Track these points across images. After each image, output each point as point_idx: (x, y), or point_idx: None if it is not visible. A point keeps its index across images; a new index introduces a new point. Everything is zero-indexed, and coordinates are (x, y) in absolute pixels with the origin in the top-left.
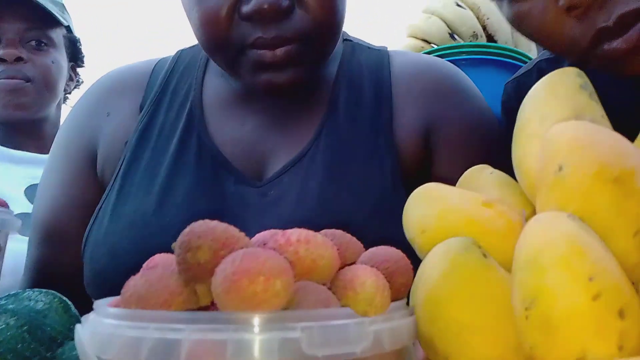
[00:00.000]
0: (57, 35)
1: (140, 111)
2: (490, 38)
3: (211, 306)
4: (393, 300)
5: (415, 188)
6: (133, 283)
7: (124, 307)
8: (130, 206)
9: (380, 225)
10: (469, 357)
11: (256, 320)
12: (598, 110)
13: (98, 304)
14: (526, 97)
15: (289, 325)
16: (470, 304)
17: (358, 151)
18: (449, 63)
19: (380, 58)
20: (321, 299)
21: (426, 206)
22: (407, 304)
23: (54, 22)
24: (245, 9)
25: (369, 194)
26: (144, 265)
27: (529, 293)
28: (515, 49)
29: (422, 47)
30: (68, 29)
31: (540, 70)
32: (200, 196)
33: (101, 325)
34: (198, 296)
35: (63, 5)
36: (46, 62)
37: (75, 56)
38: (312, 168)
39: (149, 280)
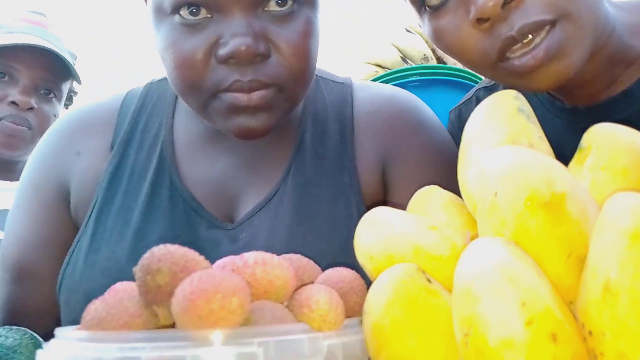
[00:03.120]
0: (66, 87)
1: (111, 150)
2: (439, 60)
3: (172, 328)
4: (348, 317)
5: None
6: (93, 307)
7: (86, 330)
8: (104, 252)
9: (347, 266)
10: None
11: (213, 336)
12: (535, 132)
13: (60, 330)
14: (468, 121)
15: (245, 340)
16: (415, 333)
17: (324, 190)
18: (409, 95)
19: (343, 93)
20: (277, 316)
21: (373, 232)
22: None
23: (69, 75)
24: (222, 52)
25: (336, 234)
26: (105, 293)
27: (466, 320)
28: (463, 69)
29: (377, 72)
30: (75, 79)
31: (478, 98)
32: (173, 242)
33: (62, 348)
34: (159, 318)
35: (75, 56)
36: (49, 114)
37: (68, 105)
38: (281, 210)
39: (109, 304)
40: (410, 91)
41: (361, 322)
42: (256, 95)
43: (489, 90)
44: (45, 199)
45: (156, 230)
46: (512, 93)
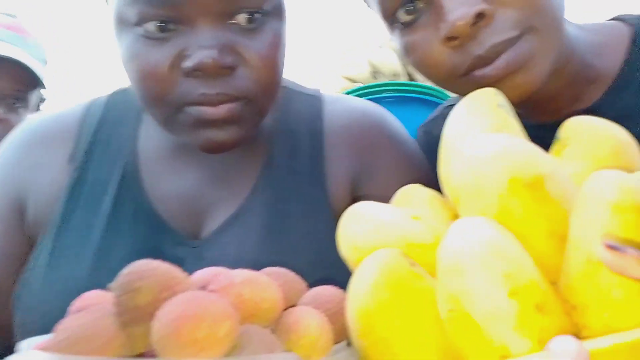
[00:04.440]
0: (34, 95)
1: (71, 163)
2: (410, 77)
3: (147, 352)
4: (336, 341)
5: None
6: (67, 326)
7: (56, 352)
8: (63, 271)
9: (319, 283)
10: None
11: None
12: (516, 126)
13: (23, 346)
14: (449, 116)
15: None
16: (399, 314)
17: (294, 206)
18: (380, 110)
19: (314, 106)
20: (265, 344)
21: (357, 224)
22: (349, 343)
23: (37, 84)
24: (188, 64)
25: (307, 251)
26: (75, 303)
27: (451, 295)
28: (433, 87)
29: (347, 87)
30: (42, 86)
31: (445, 116)
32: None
33: None
34: (136, 342)
35: (47, 61)
36: (17, 125)
37: (34, 112)
38: (250, 227)
39: (83, 324)
40: (383, 107)
41: (348, 344)
42: (223, 109)
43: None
44: (1, 212)
45: (118, 248)
46: (491, 90)
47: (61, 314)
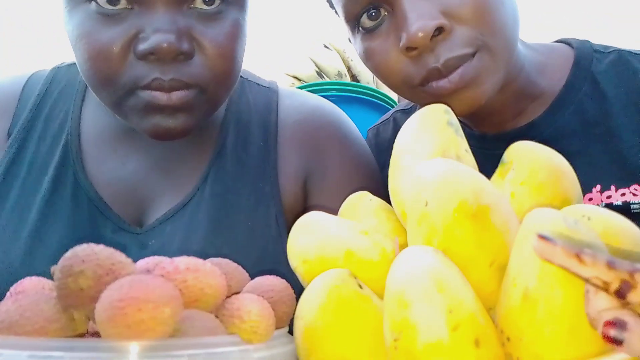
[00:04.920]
0: None
1: (8, 139)
2: (354, 78)
3: (87, 334)
4: (276, 328)
5: None
6: (4, 309)
7: None
8: None
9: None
10: None
11: (140, 347)
12: (462, 145)
13: None
14: (400, 130)
15: (175, 352)
16: (345, 337)
17: (244, 199)
18: (334, 108)
19: (269, 99)
20: (208, 327)
21: (306, 236)
22: (290, 331)
23: None
24: (142, 47)
25: (254, 245)
26: (12, 289)
27: (396, 326)
28: (376, 89)
29: (293, 84)
30: None
31: (395, 119)
32: (74, 245)
33: None
34: (76, 324)
35: None
36: None
37: None
38: (196, 218)
39: (22, 306)
40: None
41: (289, 332)
42: (176, 96)
43: (406, 112)
44: None
45: (55, 231)
46: (442, 107)
47: None
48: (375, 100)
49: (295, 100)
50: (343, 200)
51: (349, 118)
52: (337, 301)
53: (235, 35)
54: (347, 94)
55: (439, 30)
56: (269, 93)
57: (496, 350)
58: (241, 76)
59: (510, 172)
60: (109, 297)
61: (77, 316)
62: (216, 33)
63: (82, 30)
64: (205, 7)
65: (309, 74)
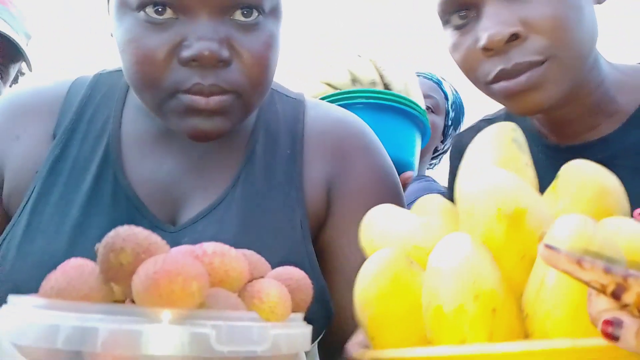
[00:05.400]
0: (14, 68)
1: (53, 138)
2: (386, 87)
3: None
4: (294, 311)
5: (319, 240)
6: (54, 277)
7: (43, 297)
8: (39, 244)
9: None
10: (387, 340)
11: (170, 315)
12: (523, 159)
13: (13, 297)
14: (471, 142)
15: (199, 322)
16: (392, 299)
17: (271, 202)
18: (357, 120)
19: (296, 109)
20: (230, 304)
21: (376, 224)
22: (306, 319)
23: (19, 56)
24: (186, 53)
25: (279, 246)
26: (63, 264)
27: (430, 292)
28: (406, 97)
29: (326, 91)
30: (26, 61)
31: (479, 128)
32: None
33: (18, 313)
34: (115, 294)
35: (30, 36)
36: None
37: (13, 86)
38: (227, 218)
39: (69, 275)
40: (356, 112)
41: (305, 317)
42: (214, 100)
43: (490, 121)
44: None
45: (96, 226)
46: (511, 125)
47: (34, 286)
48: (405, 108)
49: (321, 111)
50: (363, 207)
51: (371, 128)
52: (388, 271)
53: (270, 45)
54: (376, 101)
55: (515, 36)
56: (297, 104)
57: (511, 321)
58: (271, 87)
59: (560, 186)
60: (145, 270)
61: (117, 289)
62: (253, 43)
63: (130, 36)
64: (243, 18)
65: (344, 82)
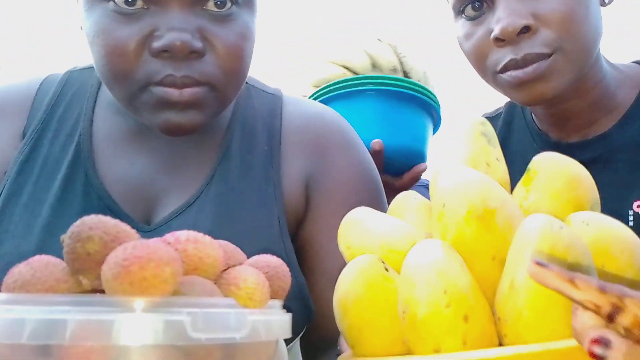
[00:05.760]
0: None
1: (22, 138)
2: (405, 74)
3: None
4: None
5: (298, 237)
6: (17, 270)
7: (6, 292)
8: (9, 246)
9: None
10: (366, 347)
11: (142, 303)
12: (494, 153)
13: None
14: (445, 140)
15: (174, 309)
16: (369, 307)
17: (248, 199)
18: (337, 115)
19: (273, 104)
20: (206, 291)
21: (352, 229)
22: (284, 307)
23: None
24: (157, 44)
25: (256, 243)
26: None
27: (404, 301)
28: (421, 85)
29: (344, 74)
30: None
31: (494, 118)
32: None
33: None
34: (82, 286)
35: None
36: None
37: None
38: (201, 216)
39: (33, 268)
40: (372, 99)
41: (283, 305)
42: (187, 92)
43: (490, 119)
44: None
45: (67, 226)
46: (479, 119)
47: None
48: (424, 98)
49: (299, 107)
50: (342, 204)
51: (387, 116)
52: (364, 279)
53: (244, 36)
54: (395, 89)
55: (526, 28)
56: (274, 99)
57: (484, 326)
58: (247, 82)
59: (533, 179)
60: (114, 257)
61: (84, 282)
62: (227, 34)
63: (99, 27)
64: (216, 9)
65: (364, 65)
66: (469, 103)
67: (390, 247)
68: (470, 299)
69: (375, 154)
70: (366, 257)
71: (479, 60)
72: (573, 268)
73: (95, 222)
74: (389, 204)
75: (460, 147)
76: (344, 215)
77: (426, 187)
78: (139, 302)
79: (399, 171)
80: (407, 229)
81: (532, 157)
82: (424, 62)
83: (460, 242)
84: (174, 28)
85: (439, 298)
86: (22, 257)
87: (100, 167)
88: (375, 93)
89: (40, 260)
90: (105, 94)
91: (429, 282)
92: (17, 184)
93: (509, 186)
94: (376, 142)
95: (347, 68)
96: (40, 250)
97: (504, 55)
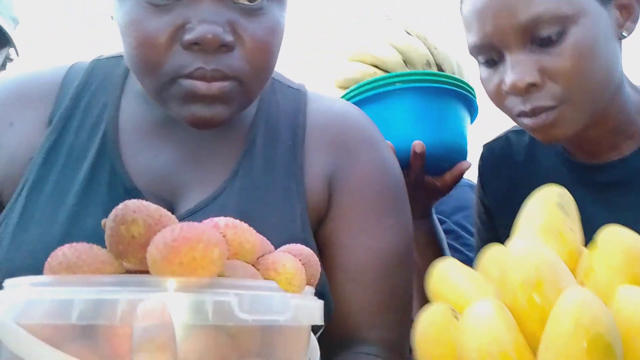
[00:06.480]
0: (2, 55)
1: (49, 125)
2: (438, 66)
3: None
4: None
5: (319, 234)
6: (61, 252)
7: (51, 274)
8: (33, 233)
9: None
10: None
11: (192, 283)
12: (568, 223)
13: (11, 280)
14: (522, 206)
15: (222, 290)
16: (435, 349)
17: (271, 195)
18: (360, 113)
19: (297, 100)
20: (249, 274)
21: (440, 276)
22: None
23: (5, 42)
24: (188, 36)
25: (278, 239)
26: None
27: (462, 350)
28: (456, 77)
29: (375, 73)
30: (13, 46)
31: (508, 138)
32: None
33: (21, 292)
34: (127, 270)
35: (18, 21)
36: None
37: (0, 72)
38: (226, 210)
39: (78, 250)
40: (409, 96)
41: (315, 292)
42: (216, 86)
43: (519, 133)
44: None
45: (92, 216)
46: (556, 189)
47: (28, 274)
48: (462, 92)
49: (323, 104)
50: (365, 202)
51: (425, 113)
52: (434, 323)
53: (274, 31)
54: (424, 85)
55: (533, 84)
56: (298, 95)
57: None
58: (273, 77)
59: (595, 252)
60: (162, 238)
61: (127, 265)
62: (257, 28)
63: (131, 18)
64: (247, 2)
65: (395, 62)
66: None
67: (468, 298)
68: (513, 355)
69: (416, 157)
70: (441, 304)
71: (498, 103)
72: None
73: (138, 206)
74: (431, 206)
75: (537, 217)
76: (366, 214)
77: (470, 187)
78: (189, 283)
79: (440, 171)
80: (484, 286)
81: (561, 176)
82: (454, 52)
83: (515, 305)
84: (206, 20)
85: (486, 352)
86: (47, 244)
87: (126, 158)
88: (410, 91)
89: (83, 244)
90: (133, 84)
91: (479, 335)
92: (43, 171)
93: (580, 253)
94: (418, 144)
95: (376, 67)
96: (65, 238)
97: (516, 105)
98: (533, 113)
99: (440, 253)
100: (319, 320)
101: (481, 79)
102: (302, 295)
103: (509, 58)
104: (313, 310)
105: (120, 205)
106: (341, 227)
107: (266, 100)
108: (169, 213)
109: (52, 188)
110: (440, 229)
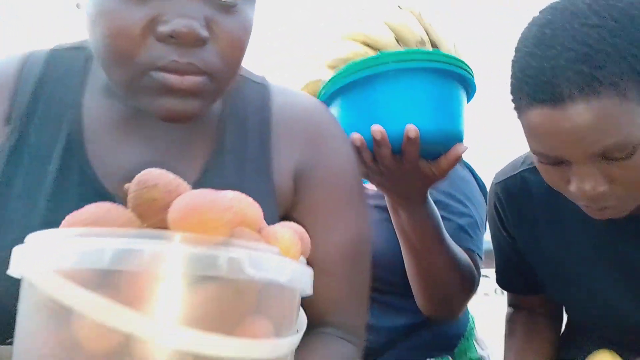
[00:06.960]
0: None
1: (7, 122)
2: (433, 45)
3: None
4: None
5: None
6: (87, 210)
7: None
8: (7, 239)
9: None
10: None
11: (208, 239)
12: None
13: (31, 235)
14: None
15: (234, 249)
16: None
17: (243, 193)
18: (323, 108)
19: (262, 95)
20: (255, 238)
21: None
22: None
23: None
24: (164, 29)
25: None
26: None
27: None
28: (453, 56)
29: (366, 53)
30: None
31: (523, 177)
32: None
33: (53, 240)
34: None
35: None
36: None
37: None
38: None
39: (105, 207)
40: (406, 77)
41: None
42: (188, 80)
43: (533, 172)
44: None
45: None
46: (608, 355)
47: (5, 282)
48: (461, 72)
49: (288, 98)
50: (333, 196)
51: (423, 96)
52: None
53: (246, 29)
54: (432, 65)
55: (602, 193)
56: (262, 89)
57: None
58: None
59: None
60: (182, 201)
61: (150, 224)
62: (231, 25)
63: (104, 7)
64: None
65: (387, 41)
66: (495, 68)
67: None
68: None
69: (410, 142)
70: None
71: (554, 186)
72: None
73: (160, 172)
74: (426, 192)
75: None
76: (332, 208)
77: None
78: (206, 239)
79: (435, 155)
80: None
81: (596, 223)
82: (450, 29)
83: None
84: (182, 14)
85: None
86: None
87: (94, 159)
88: (404, 72)
89: (103, 207)
90: (96, 77)
91: None
92: (7, 174)
93: None
94: (411, 129)
95: (368, 45)
96: None
97: (580, 201)
98: (598, 209)
99: (438, 238)
100: (309, 288)
101: (539, 168)
102: (299, 262)
103: (575, 167)
104: (307, 276)
105: (143, 172)
106: (310, 221)
107: (233, 95)
108: (185, 183)
109: (19, 192)
110: (437, 212)
